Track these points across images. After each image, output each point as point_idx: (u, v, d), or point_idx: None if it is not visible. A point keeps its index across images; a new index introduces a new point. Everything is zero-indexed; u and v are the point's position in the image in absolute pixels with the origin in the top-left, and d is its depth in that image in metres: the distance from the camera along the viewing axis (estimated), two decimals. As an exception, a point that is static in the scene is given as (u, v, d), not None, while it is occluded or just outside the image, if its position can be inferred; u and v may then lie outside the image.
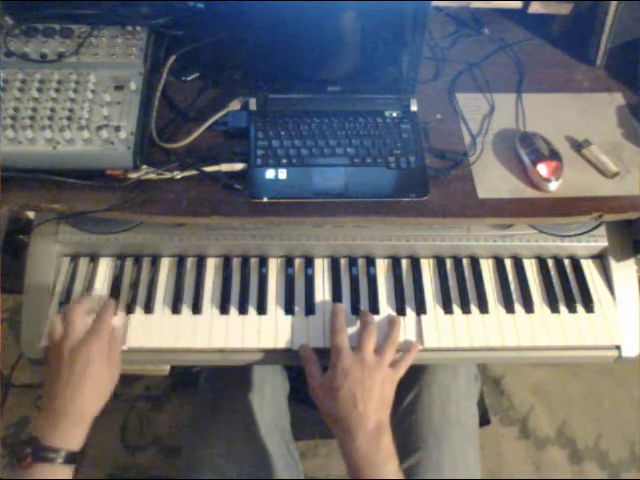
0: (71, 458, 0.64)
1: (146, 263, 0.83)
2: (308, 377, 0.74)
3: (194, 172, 0.75)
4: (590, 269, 0.85)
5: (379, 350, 0.73)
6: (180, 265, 0.82)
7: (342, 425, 0.69)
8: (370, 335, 0.74)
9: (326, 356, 0.74)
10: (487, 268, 0.84)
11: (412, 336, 0.78)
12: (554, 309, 0.81)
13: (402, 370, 0.74)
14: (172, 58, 0.84)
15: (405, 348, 0.76)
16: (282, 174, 0.75)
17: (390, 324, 0.77)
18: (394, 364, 0.74)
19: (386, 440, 0.68)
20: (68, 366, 0.67)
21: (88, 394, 0.67)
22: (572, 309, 0.81)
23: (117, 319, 0.76)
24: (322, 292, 0.81)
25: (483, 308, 0.80)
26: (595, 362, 0.85)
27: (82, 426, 0.67)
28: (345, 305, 0.80)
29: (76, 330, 0.70)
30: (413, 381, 0.89)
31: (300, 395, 0.96)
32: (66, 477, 0.64)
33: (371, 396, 0.69)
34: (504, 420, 1.44)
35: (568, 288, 0.82)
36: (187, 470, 0.82)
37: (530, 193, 0.76)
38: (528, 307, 0.81)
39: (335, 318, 0.76)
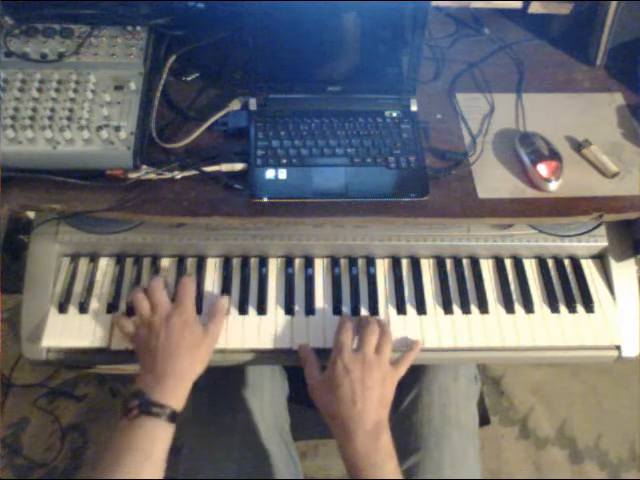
0: (173, 416, 0.66)
1: (146, 263, 0.83)
2: (307, 376, 0.74)
3: (194, 172, 0.75)
4: (590, 269, 0.85)
5: (378, 349, 0.73)
6: (180, 265, 0.82)
7: (341, 423, 0.68)
8: (372, 333, 0.73)
9: (325, 356, 0.74)
10: (487, 268, 0.84)
11: (412, 336, 0.78)
12: (554, 309, 0.81)
13: (403, 369, 0.74)
14: (172, 58, 0.84)
15: (406, 347, 0.76)
16: (282, 174, 0.75)
17: (380, 325, 0.76)
18: (395, 363, 0.74)
19: (385, 439, 0.68)
20: (165, 332, 0.70)
21: (186, 356, 0.70)
22: (572, 309, 0.81)
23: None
24: (322, 292, 0.81)
25: (483, 308, 0.80)
26: (595, 362, 0.85)
27: (183, 386, 0.69)
28: (345, 305, 0.80)
29: (164, 303, 0.73)
30: (413, 382, 0.89)
31: (300, 395, 0.96)
32: (167, 435, 0.66)
33: (371, 395, 0.69)
34: (504, 420, 1.44)
35: (568, 288, 0.82)
36: (187, 470, 0.82)
37: (530, 193, 0.76)
38: (528, 307, 0.81)
39: (345, 318, 0.77)
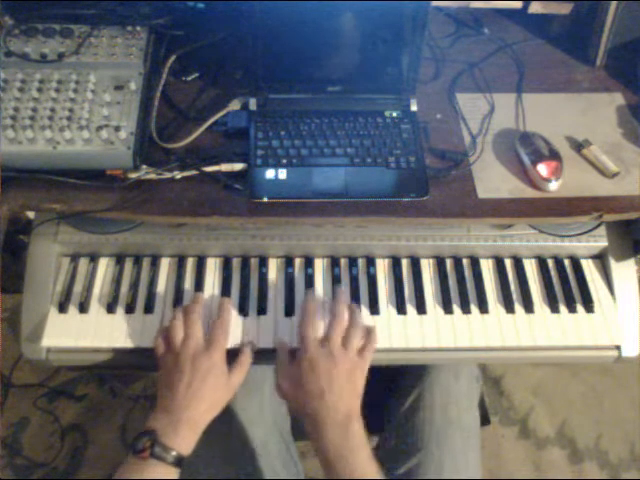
0: (180, 461, 0.65)
1: (146, 263, 0.83)
2: (275, 373, 0.73)
3: (194, 172, 0.75)
4: (590, 269, 0.85)
5: (345, 340, 0.71)
6: (180, 265, 0.82)
7: (311, 418, 0.67)
8: (338, 325, 0.72)
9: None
10: (487, 268, 0.84)
11: (412, 336, 0.78)
12: (554, 309, 0.81)
13: (369, 356, 0.72)
14: (172, 58, 0.84)
15: (365, 334, 0.74)
16: (282, 174, 0.75)
17: (349, 313, 0.75)
18: (360, 352, 0.72)
19: (356, 428, 0.66)
20: (190, 372, 0.68)
21: (205, 403, 0.68)
22: (572, 309, 0.81)
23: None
24: (322, 292, 0.81)
25: (483, 308, 0.80)
26: (595, 362, 0.85)
27: (196, 432, 0.68)
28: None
29: (197, 337, 0.71)
30: (415, 383, 0.89)
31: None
32: (172, 478, 0.65)
33: (340, 387, 0.68)
34: (504, 420, 1.44)
35: (568, 288, 0.82)
36: (186, 470, 0.82)
37: (530, 193, 0.76)
38: (528, 307, 0.81)
39: (305, 307, 0.75)
